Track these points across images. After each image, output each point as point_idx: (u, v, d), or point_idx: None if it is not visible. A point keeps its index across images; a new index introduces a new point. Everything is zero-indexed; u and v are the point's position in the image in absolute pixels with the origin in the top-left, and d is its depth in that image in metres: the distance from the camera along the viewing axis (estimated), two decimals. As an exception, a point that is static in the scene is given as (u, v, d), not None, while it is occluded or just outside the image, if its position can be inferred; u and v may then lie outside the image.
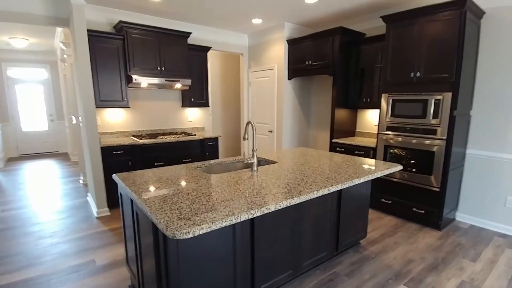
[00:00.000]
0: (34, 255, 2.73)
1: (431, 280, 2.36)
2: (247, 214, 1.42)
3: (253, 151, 2.33)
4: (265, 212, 1.50)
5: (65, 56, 5.19)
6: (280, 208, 1.58)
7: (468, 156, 3.44)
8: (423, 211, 3.39)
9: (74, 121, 5.16)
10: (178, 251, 1.53)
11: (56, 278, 2.36)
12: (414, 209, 3.46)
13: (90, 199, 4.21)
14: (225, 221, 1.34)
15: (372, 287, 2.29)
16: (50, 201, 4.26)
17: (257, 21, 4.64)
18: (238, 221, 1.38)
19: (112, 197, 3.87)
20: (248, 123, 2.33)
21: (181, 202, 1.55)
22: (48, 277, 2.37)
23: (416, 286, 2.30)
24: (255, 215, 1.46)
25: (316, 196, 1.77)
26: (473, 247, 2.91)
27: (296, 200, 1.65)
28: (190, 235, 1.22)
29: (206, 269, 1.68)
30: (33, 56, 7.55)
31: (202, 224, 1.28)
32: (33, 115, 7.88)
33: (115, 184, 3.85)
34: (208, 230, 1.28)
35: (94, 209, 3.82)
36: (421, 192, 3.39)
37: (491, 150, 3.26)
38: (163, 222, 1.30)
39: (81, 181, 5.26)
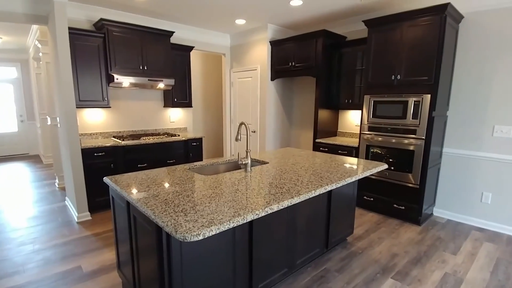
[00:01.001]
0: (18, 262, 2.60)
1: (417, 273, 2.50)
2: (252, 214, 1.44)
3: (247, 151, 2.35)
4: (269, 212, 1.53)
5: (40, 54, 4.94)
6: (282, 208, 1.61)
7: (444, 155, 3.65)
8: (403, 207, 3.56)
9: (49, 122, 4.92)
10: (181, 252, 1.52)
11: (44, 286, 2.25)
12: (395, 205, 3.63)
13: (68, 203, 4.04)
14: (232, 222, 1.35)
15: (362, 281, 2.39)
16: (26, 206, 4.04)
17: (240, 21, 4.66)
18: (245, 221, 1.40)
19: (94, 201, 3.75)
20: (241, 124, 2.34)
21: (184, 204, 1.55)
22: (36, 285, 2.26)
23: (403, 278, 2.42)
24: (260, 215, 1.48)
25: (314, 195, 1.82)
26: (453, 241, 3.10)
27: (296, 200, 1.69)
28: (201, 237, 1.22)
29: (207, 270, 1.69)
30: (3, 54, 7.12)
31: (211, 226, 1.28)
32: (1, 116, 7.42)
33: (96, 188, 3.72)
34: (217, 231, 1.28)
35: (74, 214, 3.67)
36: (401, 189, 3.55)
37: (466, 148, 3.48)
38: (171, 225, 1.29)
39: (56, 185, 5.03)
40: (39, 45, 4.73)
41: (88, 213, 3.65)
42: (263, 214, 1.50)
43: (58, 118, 3.87)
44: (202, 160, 4.87)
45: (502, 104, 3.19)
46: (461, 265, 2.62)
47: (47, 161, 6.80)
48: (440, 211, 3.77)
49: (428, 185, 3.43)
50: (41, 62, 5.25)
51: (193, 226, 1.27)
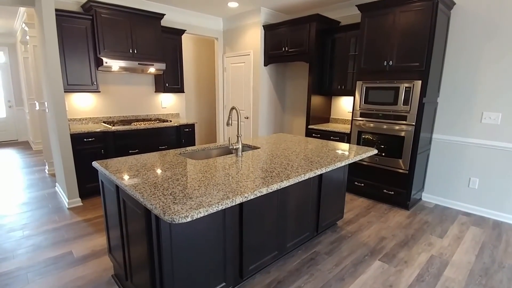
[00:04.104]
0: (7, 249, 2.59)
1: (403, 255, 2.56)
2: (241, 197, 1.45)
3: (238, 136, 2.34)
4: (258, 195, 1.54)
5: (27, 37, 4.80)
6: (271, 191, 1.62)
7: (434, 141, 3.69)
8: (392, 192, 3.61)
9: (37, 107, 4.82)
10: (171, 235, 1.53)
11: (35, 271, 2.25)
12: (385, 190, 3.68)
13: (59, 189, 4.00)
14: (221, 205, 1.35)
15: (350, 263, 2.44)
16: (16, 192, 4.00)
17: (233, 4, 4.56)
18: (234, 204, 1.41)
19: (84, 187, 3.72)
20: (232, 108, 2.33)
21: (173, 188, 1.54)
22: (26, 270, 2.26)
23: (390, 260, 2.48)
24: (249, 198, 1.49)
25: (303, 179, 1.83)
26: (440, 225, 3.17)
27: (285, 183, 1.70)
28: (189, 219, 1.22)
29: (198, 253, 1.70)
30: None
31: (200, 208, 1.28)
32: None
33: (87, 173, 3.69)
34: (206, 213, 1.29)
35: (64, 200, 3.65)
36: (391, 174, 3.60)
37: (455, 134, 3.52)
38: (159, 207, 1.28)
39: (46, 171, 4.98)
40: (26, 28, 4.59)
41: (79, 199, 3.63)
42: (252, 197, 1.50)
43: (46, 103, 3.79)
44: (194, 145, 4.85)
45: (490, 91, 3.22)
46: (447, 248, 2.70)
47: (37, 147, 6.71)
48: (428, 196, 3.84)
49: (417, 170, 3.48)
50: (28, 46, 5.11)
51: (181, 208, 1.27)
